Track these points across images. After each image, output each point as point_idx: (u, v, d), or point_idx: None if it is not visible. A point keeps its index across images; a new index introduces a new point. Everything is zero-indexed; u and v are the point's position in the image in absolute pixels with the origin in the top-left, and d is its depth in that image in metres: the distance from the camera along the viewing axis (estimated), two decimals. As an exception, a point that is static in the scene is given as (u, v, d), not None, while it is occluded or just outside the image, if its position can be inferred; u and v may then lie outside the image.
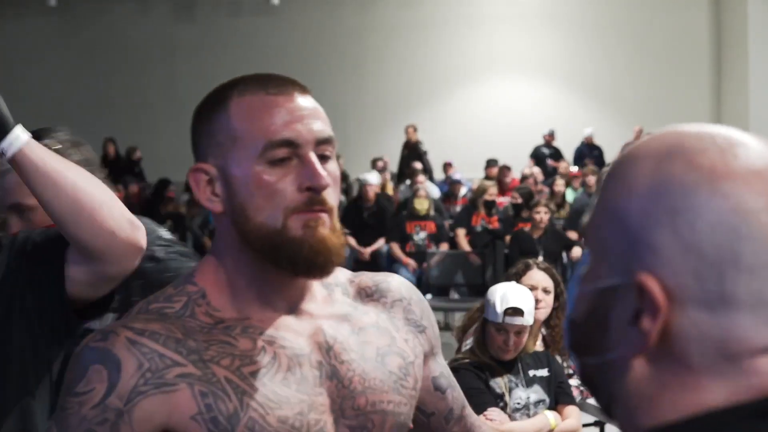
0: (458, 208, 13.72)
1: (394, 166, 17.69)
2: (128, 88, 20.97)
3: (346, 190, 16.27)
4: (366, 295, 1.80)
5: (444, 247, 11.75)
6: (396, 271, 11.48)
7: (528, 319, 4.59)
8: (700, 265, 0.95)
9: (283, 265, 1.60)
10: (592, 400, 5.03)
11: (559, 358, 5.10)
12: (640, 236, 0.98)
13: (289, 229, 1.58)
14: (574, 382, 5.04)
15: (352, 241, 12.29)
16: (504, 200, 13.55)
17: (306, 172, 1.58)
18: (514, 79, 20.89)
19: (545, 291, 5.04)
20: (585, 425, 5.20)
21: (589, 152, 18.30)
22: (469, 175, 17.10)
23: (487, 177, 15.56)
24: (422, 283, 11.13)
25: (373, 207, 12.60)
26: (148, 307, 1.64)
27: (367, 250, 12.25)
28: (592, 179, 13.97)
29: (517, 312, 4.56)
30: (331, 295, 1.75)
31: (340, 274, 1.80)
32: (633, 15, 20.68)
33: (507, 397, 4.60)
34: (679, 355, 0.97)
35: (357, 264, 12.59)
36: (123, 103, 20.97)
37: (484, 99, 20.61)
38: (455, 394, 1.91)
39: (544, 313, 5.04)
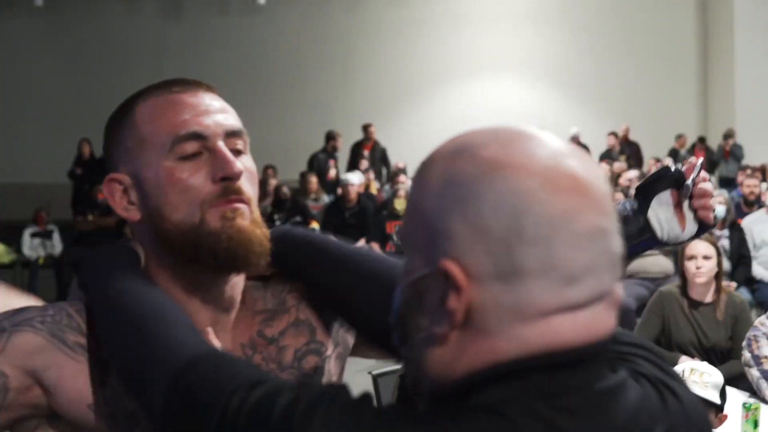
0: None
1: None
2: (116, 87, 20.80)
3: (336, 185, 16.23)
4: (286, 281, 1.76)
5: (424, 246, 11.72)
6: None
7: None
8: (489, 244, 1.08)
9: (205, 261, 1.56)
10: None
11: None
12: (438, 227, 1.11)
13: (206, 222, 1.54)
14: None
15: (334, 240, 12.30)
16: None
17: (217, 162, 1.55)
18: (500, 78, 20.90)
19: None
20: None
21: (575, 151, 18.27)
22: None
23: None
24: (402, 283, 11.12)
25: (355, 207, 12.60)
26: None
27: (349, 250, 12.25)
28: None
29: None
30: (256, 300, 1.73)
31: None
32: (619, 14, 20.69)
33: None
34: (481, 325, 1.09)
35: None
36: (111, 103, 20.90)
37: (470, 98, 20.60)
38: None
39: None
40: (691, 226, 1.86)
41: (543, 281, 1.07)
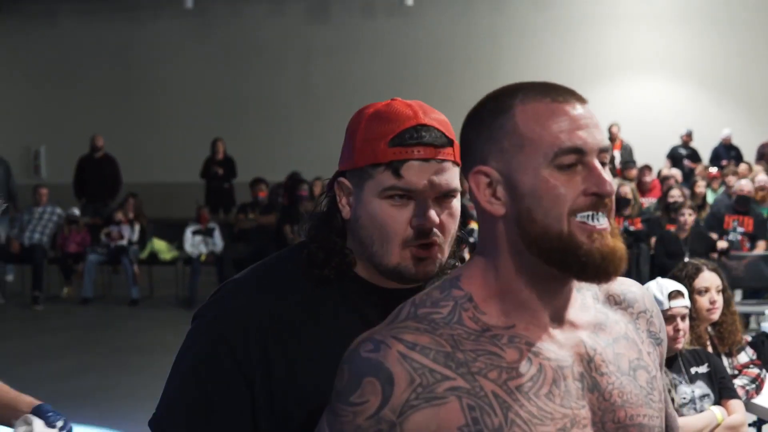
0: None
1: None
2: (263, 88, 21.28)
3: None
4: (615, 302, 1.83)
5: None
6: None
7: (688, 302, 4.67)
8: None
9: (571, 270, 1.64)
10: (756, 400, 5.04)
11: (724, 358, 5.11)
12: None
13: (574, 235, 1.62)
14: (739, 381, 5.02)
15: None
16: (645, 201, 13.40)
17: (592, 178, 1.62)
18: (646, 78, 20.62)
19: (718, 291, 5.05)
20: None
21: (726, 153, 18.01)
22: (605, 175, 16.92)
23: (624, 178, 15.44)
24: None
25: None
26: (417, 312, 1.69)
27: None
28: (732, 179, 13.79)
29: (680, 294, 4.65)
30: (583, 300, 1.78)
31: None
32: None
33: (673, 393, 4.62)
34: None
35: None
36: (257, 103, 21.28)
37: (616, 98, 20.37)
38: (669, 410, 1.93)
39: (719, 313, 5.04)
40: None
41: None
